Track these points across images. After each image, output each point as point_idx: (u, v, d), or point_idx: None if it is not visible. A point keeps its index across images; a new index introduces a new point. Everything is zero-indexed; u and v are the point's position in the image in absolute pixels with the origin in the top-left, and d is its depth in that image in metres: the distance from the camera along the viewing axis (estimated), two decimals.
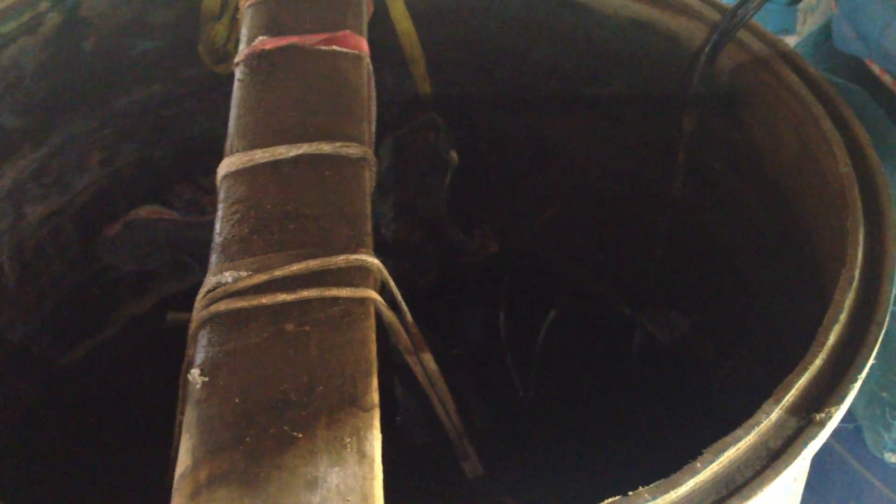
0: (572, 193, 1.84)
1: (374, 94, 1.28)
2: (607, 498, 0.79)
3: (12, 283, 1.60)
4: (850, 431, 1.49)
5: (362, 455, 0.81)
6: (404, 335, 1.04)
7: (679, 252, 1.66)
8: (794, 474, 0.87)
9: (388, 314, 1.00)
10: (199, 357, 0.91)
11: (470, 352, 1.92)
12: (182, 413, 1.06)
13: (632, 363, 1.80)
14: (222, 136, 1.69)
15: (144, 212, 1.61)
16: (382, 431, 0.85)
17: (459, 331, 1.95)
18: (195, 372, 0.88)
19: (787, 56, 1.35)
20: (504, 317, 1.88)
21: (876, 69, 1.36)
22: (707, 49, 1.40)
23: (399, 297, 1.03)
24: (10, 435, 1.66)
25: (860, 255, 1.04)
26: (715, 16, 1.42)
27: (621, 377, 1.78)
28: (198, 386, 0.87)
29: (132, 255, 1.69)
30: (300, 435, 0.82)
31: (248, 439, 0.82)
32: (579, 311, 1.89)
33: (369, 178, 1.12)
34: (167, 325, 1.51)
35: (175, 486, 0.80)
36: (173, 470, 1.09)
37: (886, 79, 1.35)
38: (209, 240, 1.48)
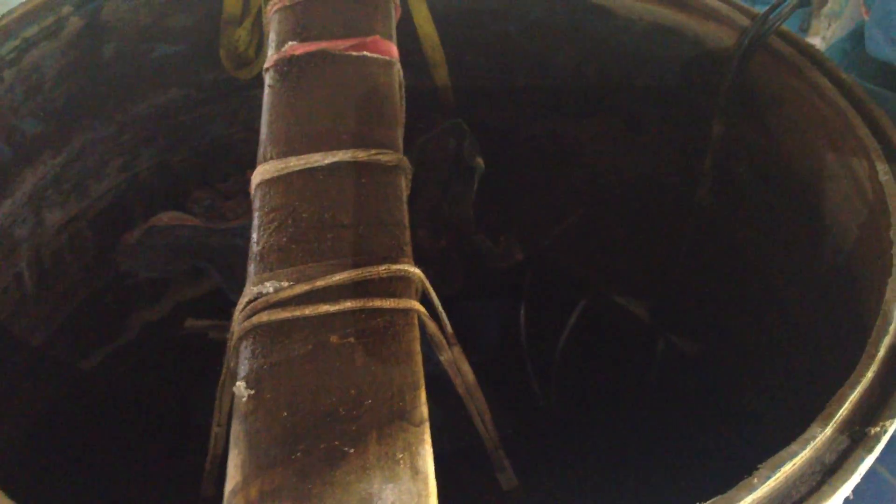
0: (594, 199, 1.83)
1: (404, 101, 1.27)
2: None
3: (31, 290, 1.58)
4: None
5: (416, 471, 0.79)
6: (446, 345, 1.02)
7: (705, 260, 1.65)
8: (850, 490, 0.86)
9: (431, 325, 0.98)
10: (244, 369, 0.89)
11: (489, 359, 1.90)
12: (218, 424, 1.05)
13: (654, 373, 1.78)
14: (241, 142, 1.67)
15: (166, 218, 1.59)
16: None
17: (479, 338, 1.93)
18: (241, 385, 0.86)
19: (818, 61, 1.34)
20: (524, 324, 1.87)
21: None
22: (738, 54, 1.39)
23: (440, 307, 1.01)
24: (28, 438, 1.65)
25: None
26: (744, 21, 1.40)
27: (643, 387, 1.76)
28: (244, 399, 0.85)
29: (151, 262, 1.67)
30: (351, 450, 0.80)
31: (298, 454, 0.80)
32: (601, 319, 1.87)
33: (405, 186, 1.11)
34: (185, 331, 1.50)
35: (226, 502, 0.78)
36: (209, 482, 1.08)
37: None
38: (229, 246, 1.46)
